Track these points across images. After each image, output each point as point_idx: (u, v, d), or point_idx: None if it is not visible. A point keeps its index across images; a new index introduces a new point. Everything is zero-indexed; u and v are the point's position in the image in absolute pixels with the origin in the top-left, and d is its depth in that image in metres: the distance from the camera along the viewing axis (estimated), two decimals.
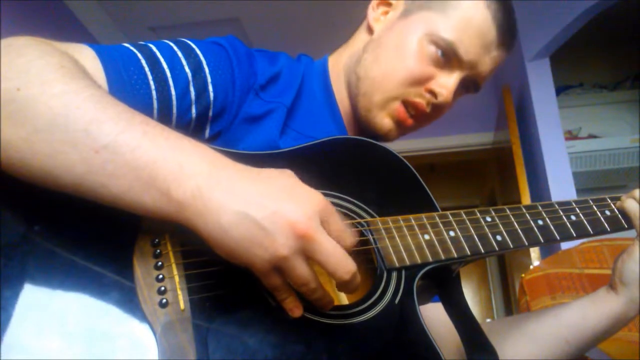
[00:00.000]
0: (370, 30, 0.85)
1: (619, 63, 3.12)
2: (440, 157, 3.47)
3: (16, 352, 0.42)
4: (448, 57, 0.78)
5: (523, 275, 1.48)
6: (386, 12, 0.85)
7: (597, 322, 0.76)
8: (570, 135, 2.89)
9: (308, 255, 0.47)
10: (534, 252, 2.35)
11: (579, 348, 0.78)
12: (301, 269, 0.47)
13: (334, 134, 0.76)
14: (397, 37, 0.80)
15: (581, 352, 0.79)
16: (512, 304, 3.16)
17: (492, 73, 0.83)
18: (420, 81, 0.78)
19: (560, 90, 2.92)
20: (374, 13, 0.85)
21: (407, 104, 0.80)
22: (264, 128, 0.72)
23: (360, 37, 0.87)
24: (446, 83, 0.78)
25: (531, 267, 1.89)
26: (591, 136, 2.89)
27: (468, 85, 0.84)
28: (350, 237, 0.50)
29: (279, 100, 0.75)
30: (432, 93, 0.79)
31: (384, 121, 0.81)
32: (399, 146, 0.72)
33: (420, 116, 0.81)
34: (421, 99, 0.79)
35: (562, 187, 2.42)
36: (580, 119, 2.93)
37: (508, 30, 0.80)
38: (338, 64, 0.87)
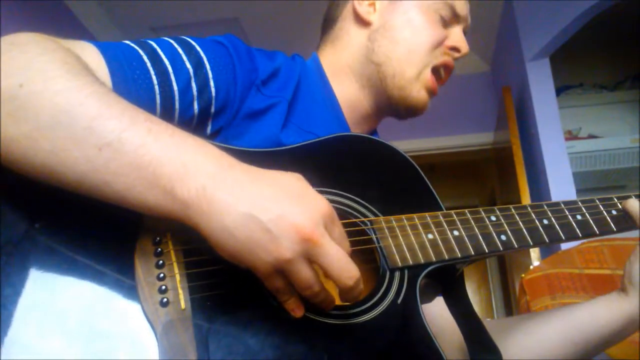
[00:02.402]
0: (365, 23, 0.88)
1: (619, 63, 3.11)
2: (440, 157, 3.46)
3: (17, 351, 0.42)
4: (447, 18, 0.88)
5: (523, 275, 1.48)
6: (373, 4, 0.89)
7: (606, 323, 0.75)
8: (570, 136, 2.89)
9: (312, 259, 0.47)
10: (534, 252, 2.35)
11: (586, 350, 0.77)
12: (305, 272, 0.47)
13: (336, 131, 0.76)
14: (403, 16, 0.87)
15: (588, 356, 0.78)
16: (512, 304, 3.15)
17: None
18: (441, 43, 0.87)
19: (560, 90, 2.92)
20: (361, 7, 0.89)
21: (435, 69, 0.87)
22: (265, 123, 0.73)
23: (354, 33, 0.89)
24: (458, 37, 0.88)
25: (531, 267, 1.89)
26: (591, 136, 2.88)
27: None
28: (348, 243, 0.51)
29: (281, 95, 0.76)
30: (455, 49, 0.88)
31: (421, 93, 0.86)
32: (399, 146, 0.72)
33: (446, 75, 0.90)
34: (448, 57, 0.88)
35: (562, 187, 2.41)
36: (580, 119, 2.93)
37: None
38: (337, 64, 0.88)
